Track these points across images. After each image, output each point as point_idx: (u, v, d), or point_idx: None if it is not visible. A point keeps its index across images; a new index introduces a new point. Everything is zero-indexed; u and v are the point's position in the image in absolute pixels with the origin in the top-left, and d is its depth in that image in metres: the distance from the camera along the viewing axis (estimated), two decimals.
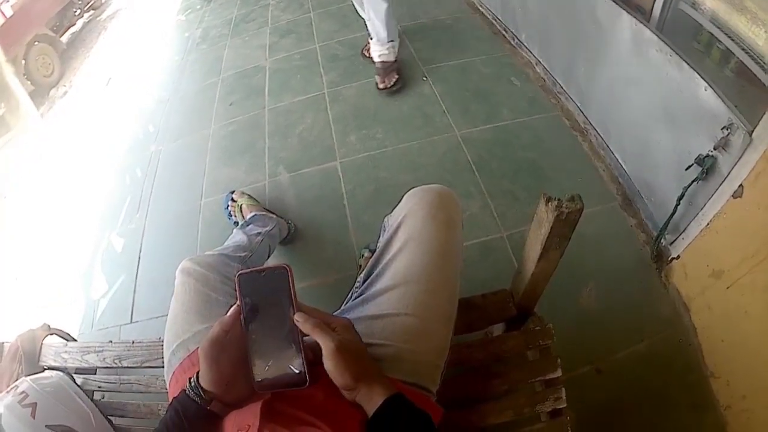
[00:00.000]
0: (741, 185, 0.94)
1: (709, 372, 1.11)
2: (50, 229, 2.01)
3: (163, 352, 0.75)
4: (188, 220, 1.72)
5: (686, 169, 1.09)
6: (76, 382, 1.02)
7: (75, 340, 1.18)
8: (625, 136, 1.47)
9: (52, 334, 1.15)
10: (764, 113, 0.87)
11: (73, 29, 4.80)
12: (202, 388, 0.55)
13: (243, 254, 1.06)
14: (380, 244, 0.77)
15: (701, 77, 1.03)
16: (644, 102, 1.29)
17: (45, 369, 1.06)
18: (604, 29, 1.40)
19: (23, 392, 0.93)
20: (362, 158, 1.75)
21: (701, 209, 1.08)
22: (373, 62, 1.99)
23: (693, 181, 1.08)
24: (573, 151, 1.64)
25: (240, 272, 0.55)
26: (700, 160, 1.05)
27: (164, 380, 0.75)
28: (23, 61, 3.81)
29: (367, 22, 1.93)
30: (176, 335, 0.73)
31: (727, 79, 1.05)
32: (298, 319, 0.54)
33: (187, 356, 0.70)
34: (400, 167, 1.68)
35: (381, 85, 1.96)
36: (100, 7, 5.10)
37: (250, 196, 1.57)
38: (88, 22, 4.94)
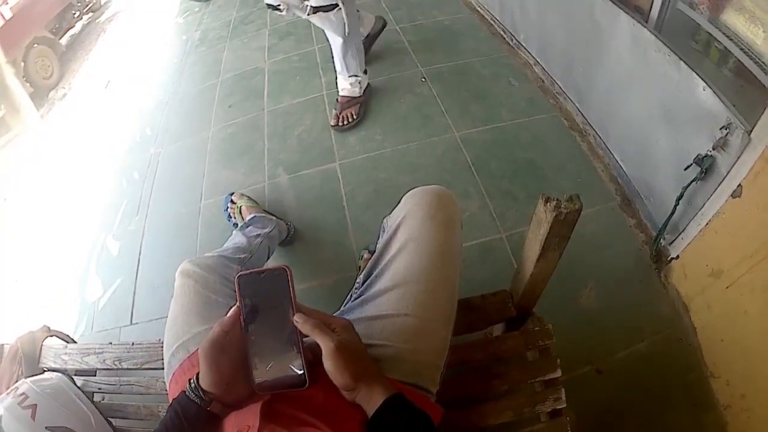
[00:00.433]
0: (740, 185, 0.94)
1: (709, 372, 1.11)
2: (49, 231, 2.01)
3: (162, 354, 0.75)
4: (188, 221, 1.72)
5: (685, 169, 1.09)
6: (76, 384, 1.02)
7: (75, 342, 1.18)
8: (623, 136, 1.47)
9: (52, 335, 1.15)
10: (763, 113, 0.87)
11: (72, 31, 4.80)
12: (201, 389, 0.55)
13: (242, 256, 1.06)
14: (379, 245, 0.77)
15: (700, 77, 1.04)
16: (643, 102, 1.30)
17: (45, 371, 1.06)
18: (603, 29, 1.40)
19: (23, 394, 0.93)
20: (361, 159, 1.75)
21: (700, 209, 1.09)
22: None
23: (692, 181, 1.08)
24: (572, 152, 1.64)
25: (240, 274, 0.55)
26: (699, 160, 1.06)
27: (164, 382, 0.75)
28: (22, 64, 3.81)
29: None
30: (176, 337, 0.73)
31: (725, 78, 1.05)
32: (298, 319, 0.54)
33: (186, 357, 0.70)
34: (399, 168, 1.68)
35: (332, 121, 1.86)
36: (99, 10, 5.10)
37: (249, 198, 1.58)
38: (87, 24, 4.94)
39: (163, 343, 0.76)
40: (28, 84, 3.78)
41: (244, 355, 0.55)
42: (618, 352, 1.18)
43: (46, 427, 0.89)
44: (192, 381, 0.56)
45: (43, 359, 1.08)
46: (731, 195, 0.96)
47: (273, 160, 1.84)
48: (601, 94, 1.54)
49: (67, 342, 1.16)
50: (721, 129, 0.98)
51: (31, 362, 1.07)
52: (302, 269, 1.47)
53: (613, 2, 1.32)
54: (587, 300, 1.28)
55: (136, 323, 1.50)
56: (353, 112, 1.86)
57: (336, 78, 1.88)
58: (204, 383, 0.54)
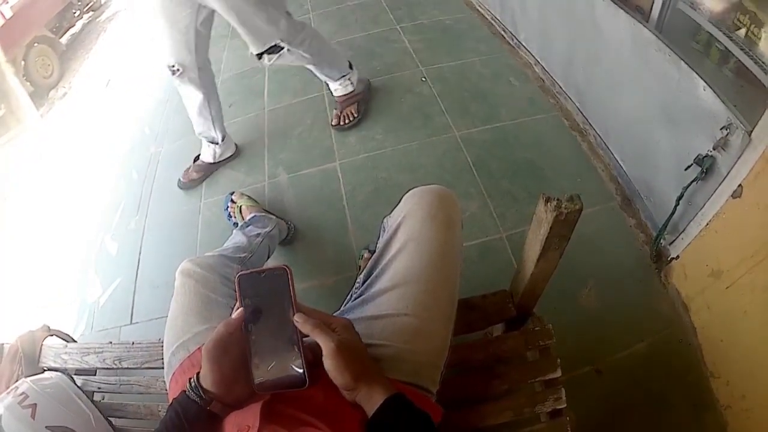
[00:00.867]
0: (740, 185, 0.94)
1: (709, 372, 1.11)
2: (49, 231, 2.01)
3: (162, 353, 0.75)
4: (188, 221, 1.72)
5: (685, 169, 1.09)
6: (76, 383, 1.02)
7: (75, 341, 1.18)
8: (624, 136, 1.47)
9: (52, 335, 1.15)
10: (763, 113, 0.87)
11: (72, 31, 4.81)
12: (202, 388, 0.54)
13: (243, 255, 1.06)
14: (380, 245, 0.77)
15: (700, 77, 1.03)
16: (643, 102, 1.29)
17: (45, 370, 1.06)
18: (603, 29, 1.40)
19: (23, 393, 0.93)
20: (361, 159, 1.75)
21: (700, 209, 1.09)
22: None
23: (692, 181, 1.08)
24: (572, 151, 1.64)
25: (240, 273, 0.55)
26: (699, 160, 1.05)
27: (164, 381, 0.75)
28: (23, 63, 3.81)
29: None
30: (176, 336, 0.73)
31: (726, 78, 1.05)
32: (298, 319, 0.54)
33: (187, 357, 0.70)
34: (399, 168, 1.68)
35: (333, 121, 1.86)
36: (100, 9, 5.10)
37: (249, 197, 1.58)
38: (88, 23, 4.94)
39: (163, 342, 0.76)
40: (28, 83, 3.79)
41: (244, 354, 0.55)
42: (618, 352, 1.18)
43: (46, 427, 0.89)
44: (192, 380, 0.56)
45: (43, 359, 1.08)
46: (731, 195, 0.96)
47: (273, 159, 1.84)
48: (602, 93, 1.54)
49: (67, 341, 1.16)
50: (721, 129, 0.98)
51: (31, 362, 1.07)
52: (302, 269, 1.47)
53: (613, 2, 1.32)
54: (587, 300, 1.27)
55: (136, 322, 1.50)
56: (353, 110, 1.86)
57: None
58: (205, 383, 0.54)
